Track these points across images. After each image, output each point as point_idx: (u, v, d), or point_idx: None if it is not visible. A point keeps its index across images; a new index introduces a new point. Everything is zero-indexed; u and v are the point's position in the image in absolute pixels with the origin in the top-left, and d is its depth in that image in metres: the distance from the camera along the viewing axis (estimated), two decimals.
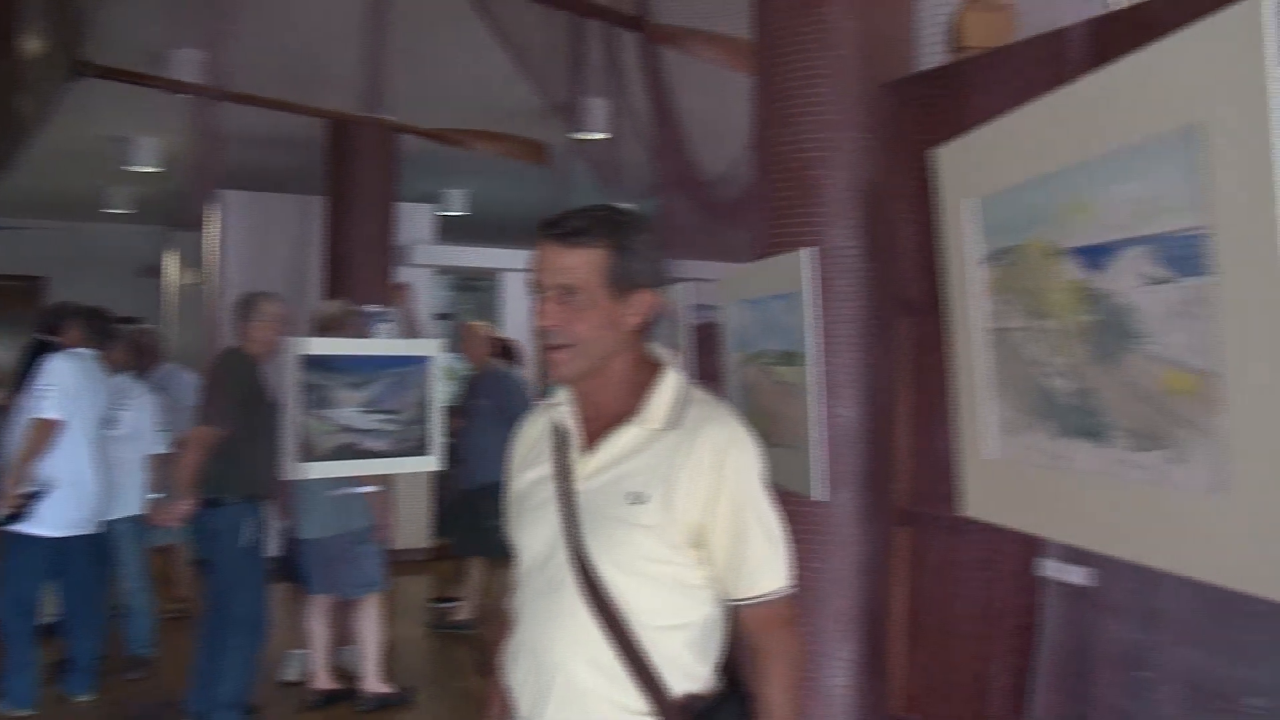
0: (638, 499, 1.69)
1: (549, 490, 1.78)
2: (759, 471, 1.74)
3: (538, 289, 1.71)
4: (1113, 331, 1.41)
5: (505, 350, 7.12)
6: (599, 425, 1.77)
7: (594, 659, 1.68)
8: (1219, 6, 1.19)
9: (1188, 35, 1.21)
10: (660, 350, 1.84)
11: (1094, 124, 1.37)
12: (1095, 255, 1.41)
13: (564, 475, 1.77)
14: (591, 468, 1.75)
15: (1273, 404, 1.15)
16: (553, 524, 1.75)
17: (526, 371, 7.40)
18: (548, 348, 1.71)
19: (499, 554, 6.75)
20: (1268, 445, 1.16)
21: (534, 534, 1.79)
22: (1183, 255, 1.26)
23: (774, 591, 1.73)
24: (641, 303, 1.74)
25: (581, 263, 1.67)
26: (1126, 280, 1.36)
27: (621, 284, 1.70)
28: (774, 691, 1.72)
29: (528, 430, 1.93)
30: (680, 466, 1.68)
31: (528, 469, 1.87)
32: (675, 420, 1.72)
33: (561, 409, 1.82)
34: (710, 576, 1.73)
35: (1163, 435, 1.35)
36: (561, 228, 1.69)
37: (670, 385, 1.76)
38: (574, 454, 1.78)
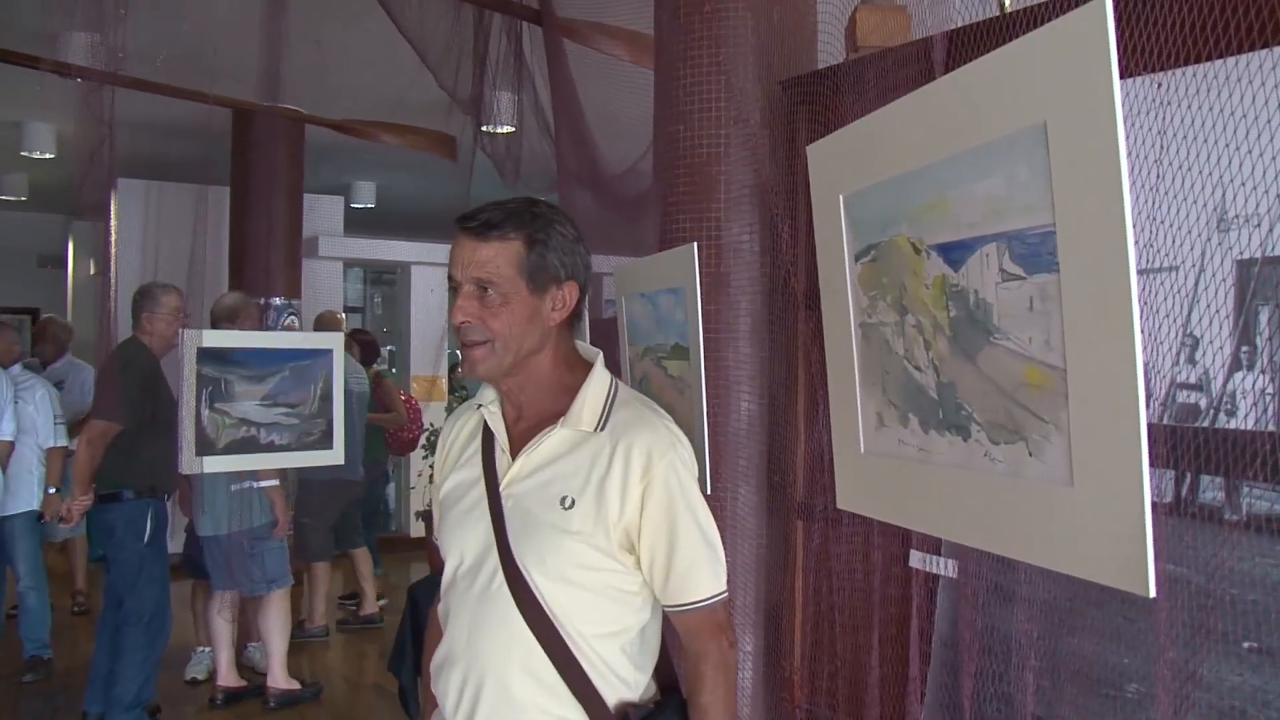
0: (567, 504, 1.65)
1: (479, 493, 1.73)
2: (690, 475, 1.70)
3: (453, 284, 1.66)
4: (973, 327, 1.44)
5: (366, 344, 7.04)
6: (526, 426, 1.73)
7: (527, 667, 1.64)
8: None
9: (1037, 37, 1.24)
10: (587, 348, 1.80)
11: (951, 123, 1.40)
12: (954, 251, 1.44)
13: (492, 478, 1.73)
14: (520, 471, 1.70)
15: (1109, 399, 1.18)
16: (483, 528, 1.70)
17: (375, 368, 7.26)
18: (465, 344, 1.66)
19: (317, 556, 6.56)
20: (1106, 440, 1.20)
21: (464, 538, 1.73)
22: (1033, 252, 1.29)
23: (709, 598, 1.69)
24: (563, 297, 1.69)
25: (496, 256, 1.63)
26: (983, 276, 1.39)
27: (540, 278, 1.66)
28: (709, 698, 1.68)
29: (456, 429, 1.87)
30: (609, 471, 1.64)
31: (456, 470, 1.81)
32: (604, 422, 1.68)
33: (488, 409, 1.76)
34: (645, 582, 1.70)
35: (1020, 429, 1.38)
36: (475, 220, 1.64)
37: (598, 385, 1.72)
38: (502, 456, 1.74)
